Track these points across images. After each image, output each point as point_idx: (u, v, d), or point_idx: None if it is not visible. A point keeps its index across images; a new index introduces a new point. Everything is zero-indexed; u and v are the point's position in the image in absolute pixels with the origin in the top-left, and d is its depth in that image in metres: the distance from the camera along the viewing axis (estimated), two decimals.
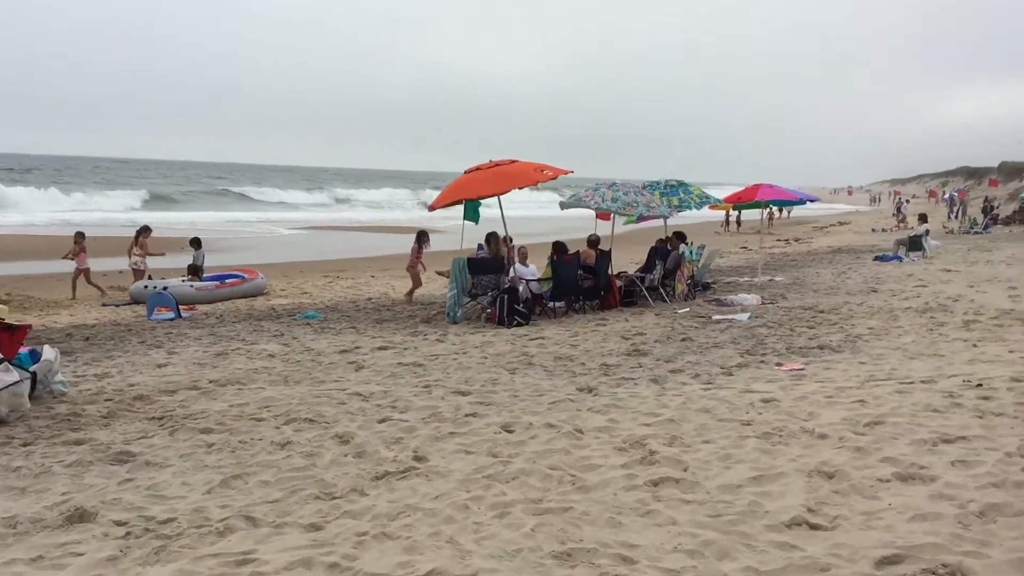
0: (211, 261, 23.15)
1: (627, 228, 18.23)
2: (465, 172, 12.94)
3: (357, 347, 10.04)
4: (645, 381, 7.86)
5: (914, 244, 22.41)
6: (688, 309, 12.64)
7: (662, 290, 13.77)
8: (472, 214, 13.99)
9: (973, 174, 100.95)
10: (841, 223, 48.96)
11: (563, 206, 14.07)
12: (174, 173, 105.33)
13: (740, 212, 39.10)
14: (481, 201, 13.63)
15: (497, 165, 12.57)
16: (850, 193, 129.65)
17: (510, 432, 6.16)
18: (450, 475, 5.24)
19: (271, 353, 9.69)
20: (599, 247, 13.26)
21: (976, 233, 33.16)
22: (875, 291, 14.49)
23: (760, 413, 6.52)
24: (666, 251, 13.98)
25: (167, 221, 39.14)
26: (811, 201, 19.55)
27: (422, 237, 15.14)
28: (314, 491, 4.98)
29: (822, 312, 12.05)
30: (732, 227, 40.63)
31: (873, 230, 38.90)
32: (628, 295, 13.64)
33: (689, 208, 16.02)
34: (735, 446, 5.69)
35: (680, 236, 14.62)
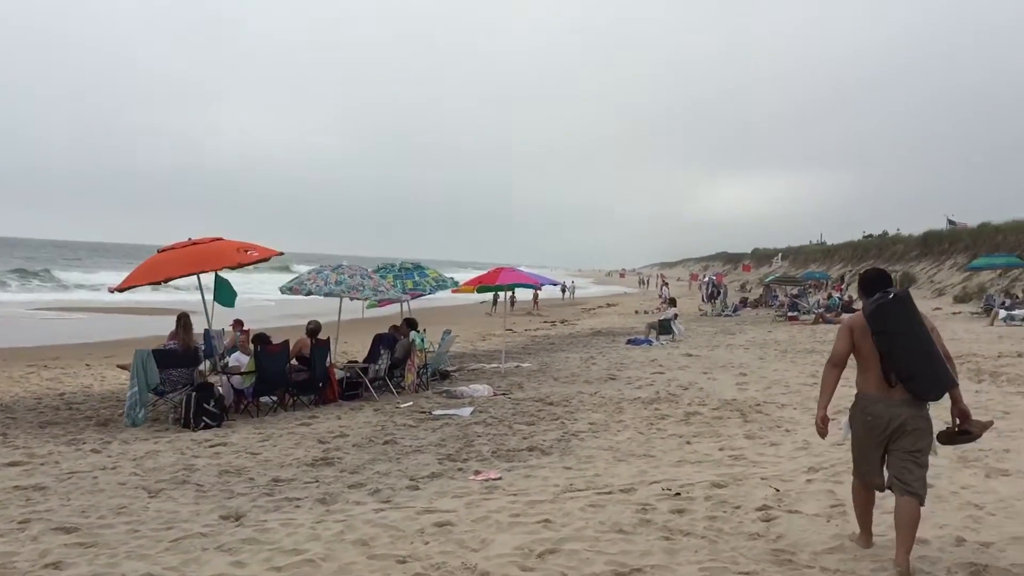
0: None
1: (371, 313, 17.13)
2: (159, 251, 11.33)
3: None
4: (311, 501, 6.62)
5: (664, 328, 22.83)
6: (411, 403, 11.55)
7: (389, 381, 12.64)
8: (224, 295, 11.87)
9: (731, 259, 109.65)
10: (609, 304, 50.41)
11: (283, 291, 12.71)
12: None
13: (513, 293, 38.99)
14: (222, 276, 11.60)
15: (195, 244, 11.06)
16: (623, 275, 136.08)
17: None
18: None
19: None
20: (318, 336, 11.93)
21: (727, 316, 34.93)
22: (613, 379, 14.13)
23: (426, 543, 5.47)
24: (393, 339, 12.91)
25: None
26: (553, 284, 19.57)
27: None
28: None
29: (551, 404, 11.37)
30: (503, 308, 40.46)
31: (637, 312, 40.11)
32: (353, 387, 12.40)
33: (424, 291, 15.16)
34: None
35: (410, 323, 13.59)
